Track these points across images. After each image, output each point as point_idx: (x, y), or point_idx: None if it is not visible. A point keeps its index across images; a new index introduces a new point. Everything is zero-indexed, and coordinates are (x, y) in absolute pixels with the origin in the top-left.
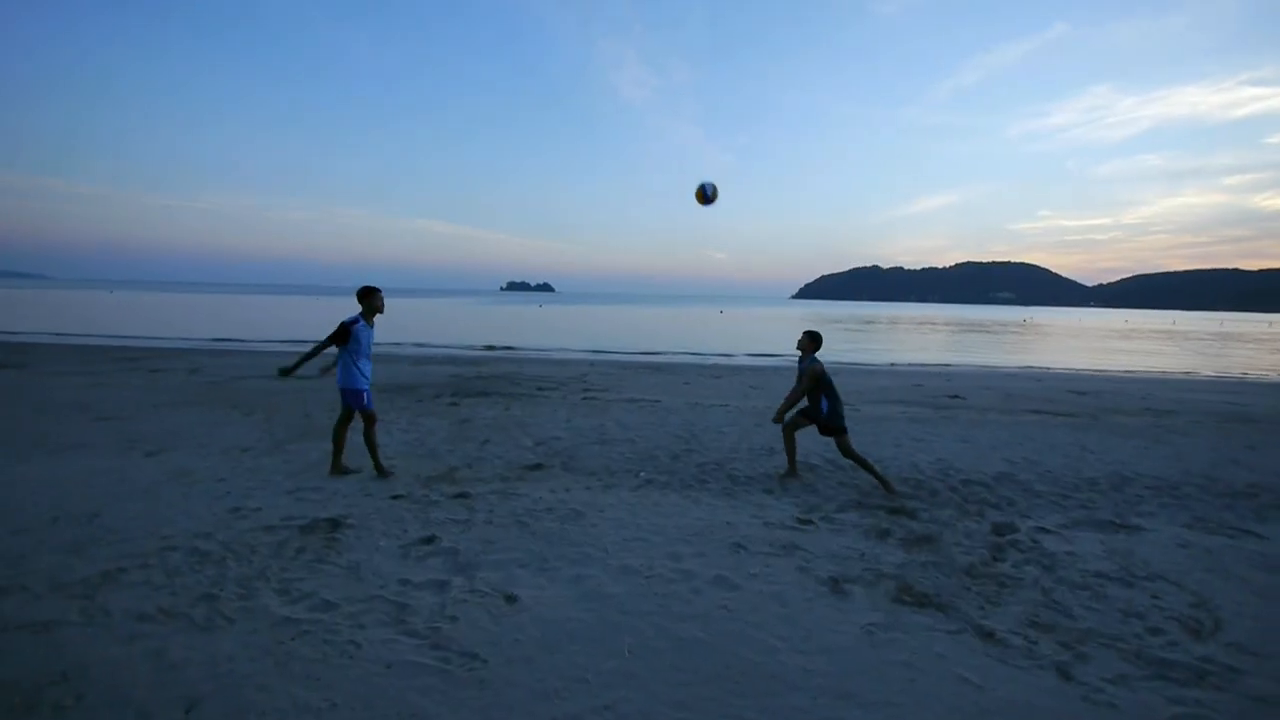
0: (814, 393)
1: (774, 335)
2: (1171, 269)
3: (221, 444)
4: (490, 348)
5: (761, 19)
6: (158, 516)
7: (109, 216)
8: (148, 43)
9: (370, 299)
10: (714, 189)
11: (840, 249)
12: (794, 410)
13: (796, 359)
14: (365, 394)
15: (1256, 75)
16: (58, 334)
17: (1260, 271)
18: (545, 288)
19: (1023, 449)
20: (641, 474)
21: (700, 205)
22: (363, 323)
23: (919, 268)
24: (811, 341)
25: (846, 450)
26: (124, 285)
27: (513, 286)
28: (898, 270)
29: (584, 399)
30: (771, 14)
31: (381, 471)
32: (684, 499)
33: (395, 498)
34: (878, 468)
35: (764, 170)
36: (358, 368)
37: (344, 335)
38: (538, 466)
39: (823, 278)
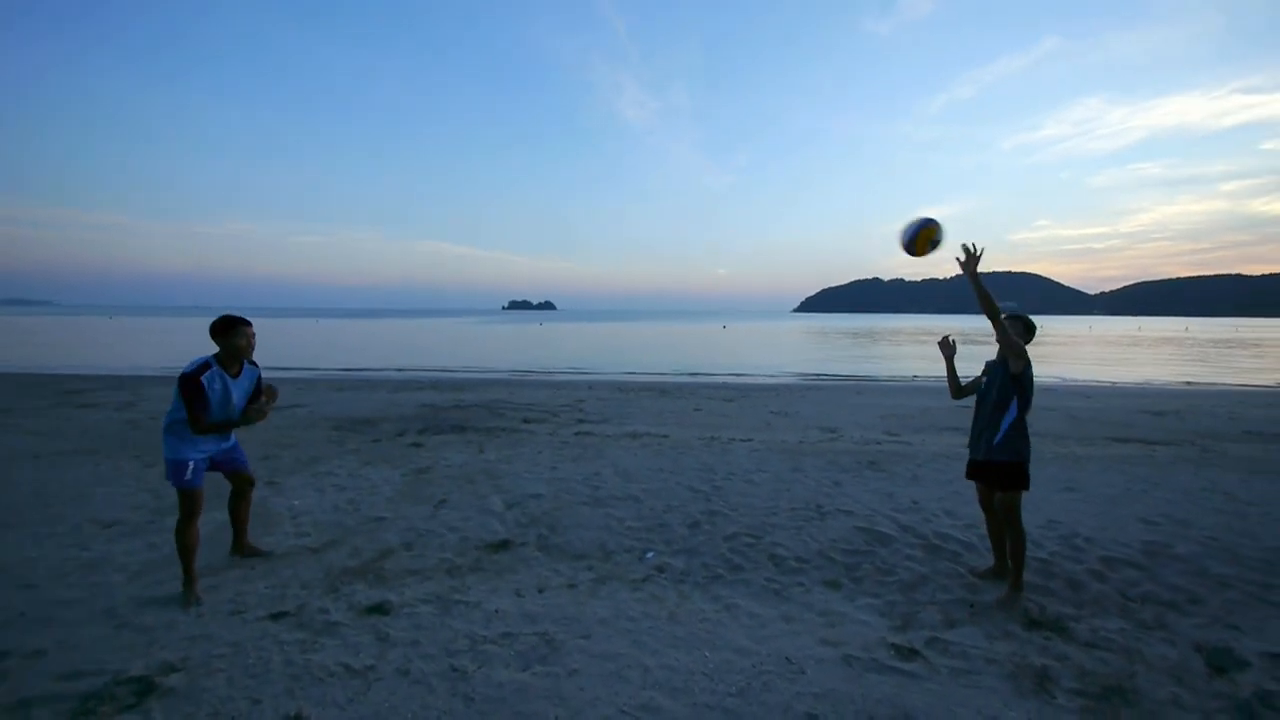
0: (1003, 386)
1: (779, 349)
2: (1173, 275)
3: (83, 515)
4: (477, 370)
5: (756, 42)
6: None
7: (117, 243)
8: (156, 73)
9: (228, 335)
10: (936, 230)
11: (840, 263)
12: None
13: (989, 361)
14: (191, 465)
15: (1248, 83)
16: (9, 365)
17: (1263, 276)
18: (547, 306)
19: (1153, 501)
20: (648, 555)
21: (920, 255)
22: (215, 369)
23: (920, 279)
24: (1027, 330)
25: (1011, 512)
26: (126, 311)
27: (514, 305)
28: (899, 282)
29: (577, 434)
30: (765, 37)
31: (190, 584)
32: (712, 603)
33: (275, 617)
34: (1027, 559)
35: (763, 188)
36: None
37: (198, 397)
38: (503, 545)
39: (824, 291)
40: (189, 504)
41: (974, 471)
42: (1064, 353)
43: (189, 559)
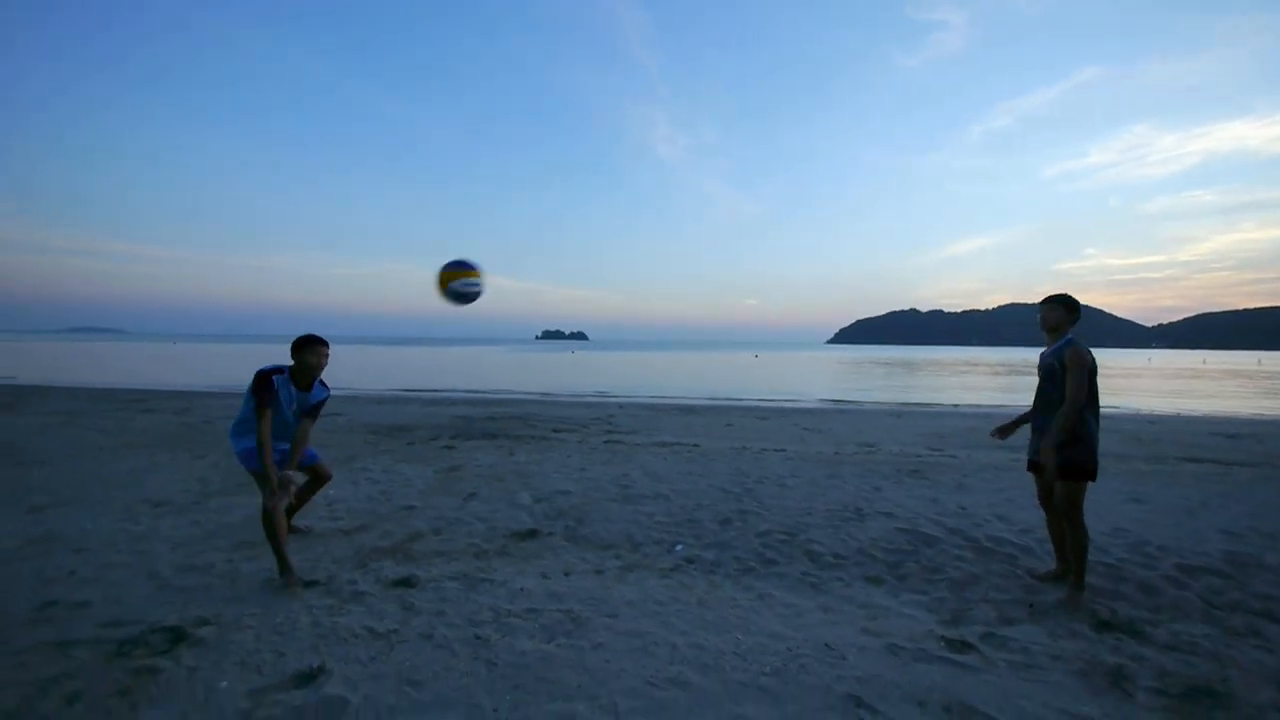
0: (1055, 389)
1: (813, 377)
2: (1237, 306)
3: (136, 496)
4: (509, 392)
5: (785, 77)
6: None
7: (182, 275)
8: (218, 117)
9: (302, 351)
10: (467, 287)
11: (876, 293)
12: (1018, 426)
13: (1044, 354)
14: (251, 453)
15: None
16: (82, 381)
17: None
18: (579, 336)
19: (1233, 514)
20: (678, 548)
21: (441, 289)
22: (286, 377)
23: (959, 310)
24: (1069, 312)
25: (1072, 507)
26: (189, 338)
27: (547, 335)
28: (936, 313)
29: (606, 443)
30: (794, 72)
31: (287, 573)
32: (744, 592)
33: (305, 585)
34: (1088, 559)
35: (794, 220)
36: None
37: (266, 390)
38: (530, 534)
39: (858, 322)
40: (267, 485)
41: (1036, 466)
42: (1122, 385)
43: (277, 544)
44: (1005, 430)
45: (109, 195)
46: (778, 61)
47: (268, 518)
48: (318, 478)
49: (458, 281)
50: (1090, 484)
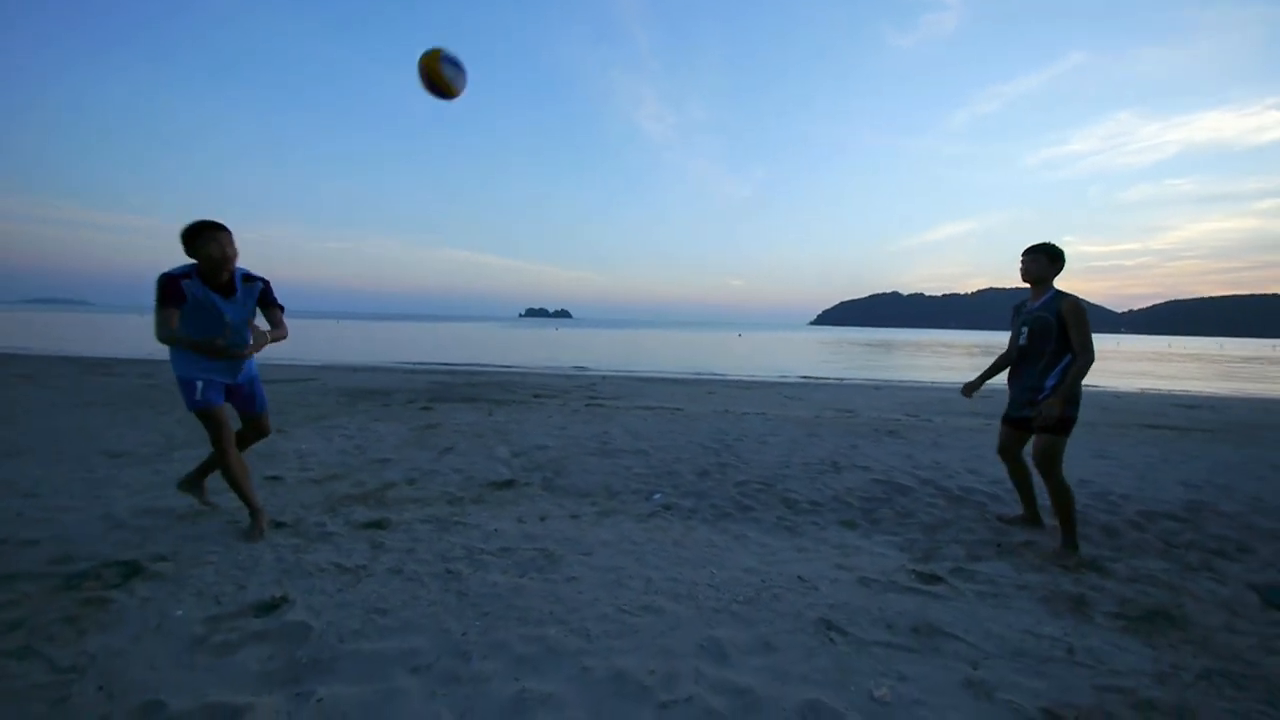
0: (1060, 344)
1: (795, 356)
2: (1204, 294)
3: (95, 448)
4: (491, 364)
5: (776, 56)
6: None
7: (150, 246)
8: (191, 81)
9: (195, 243)
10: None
11: (859, 276)
12: (984, 381)
13: (1019, 306)
14: (199, 383)
15: None
16: (41, 350)
17: None
18: (563, 314)
19: (1192, 469)
20: (655, 496)
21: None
22: (196, 279)
23: (940, 294)
24: (1052, 262)
25: (1050, 460)
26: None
27: (531, 313)
28: (918, 296)
29: (588, 405)
30: (787, 51)
31: (255, 514)
32: (720, 534)
33: (275, 526)
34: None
35: (781, 201)
36: (187, 349)
37: (173, 290)
38: (507, 484)
39: (841, 304)
40: (213, 427)
41: (1014, 421)
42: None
43: (241, 488)
44: (972, 387)
45: (70, 159)
46: (770, 38)
47: (223, 463)
48: (256, 429)
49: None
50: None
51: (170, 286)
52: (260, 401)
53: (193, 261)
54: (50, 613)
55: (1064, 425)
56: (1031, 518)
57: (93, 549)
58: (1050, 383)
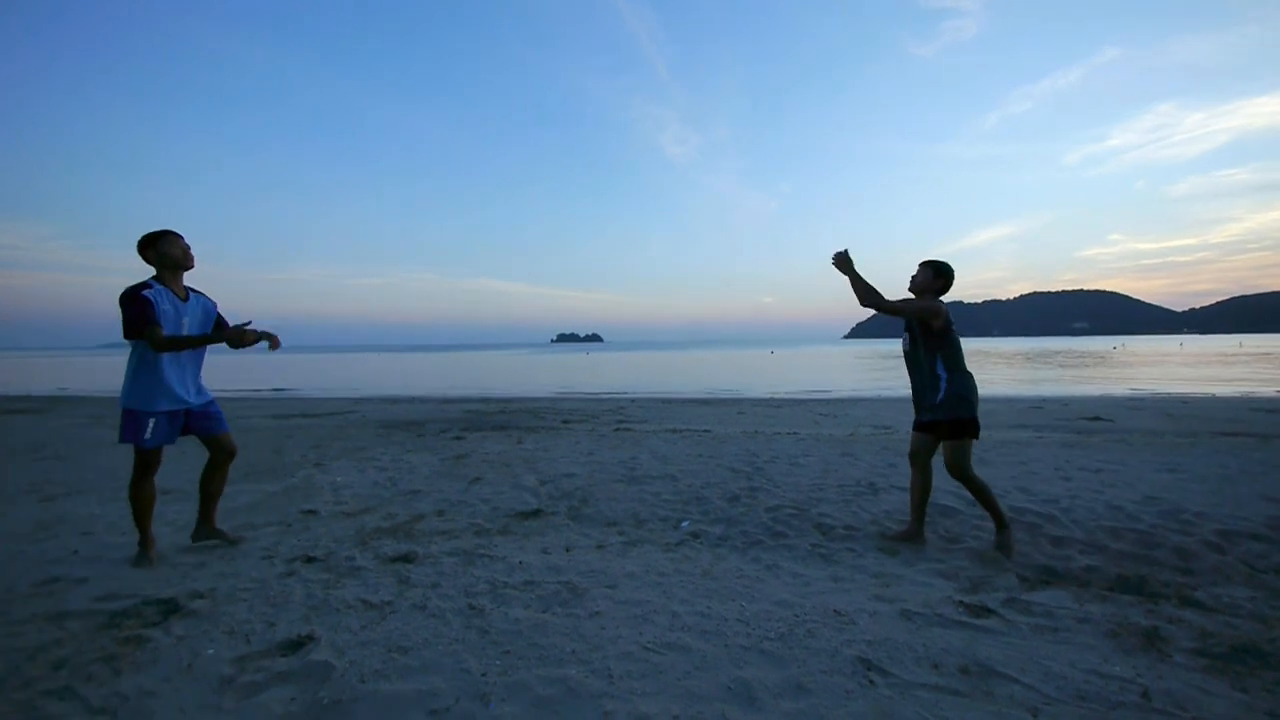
0: (927, 345)
1: (828, 371)
2: (1274, 288)
3: None
4: (523, 392)
5: (797, 72)
6: None
7: (211, 291)
8: (238, 132)
9: (157, 245)
10: None
11: (893, 288)
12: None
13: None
14: (151, 421)
15: None
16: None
17: None
18: (594, 338)
19: (1276, 480)
20: (684, 524)
21: None
22: (158, 287)
23: (980, 301)
24: (936, 277)
25: (960, 466)
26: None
27: (563, 338)
28: (956, 304)
29: (616, 430)
30: (806, 66)
31: (146, 544)
32: (750, 563)
33: (308, 560)
34: (998, 500)
35: (809, 214)
36: (156, 373)
37: (143, 304)
38: (534, 514)
39: (875, 316)
40: (143, 465)
41: (922, 426)
42: (1152, 372)
43: (144, 517)
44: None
45: (138, 214)
46: (789, 56)
47: (136, 492)
48: (225, 450)
49: None
50: (975, 441)
51: (141, 302)
52: (222, 420)
53: (151, 271)
54: (91, 652)
55: (962, 429)
56: (915, 534)
57: (136, 586)
58: (941, 373)
